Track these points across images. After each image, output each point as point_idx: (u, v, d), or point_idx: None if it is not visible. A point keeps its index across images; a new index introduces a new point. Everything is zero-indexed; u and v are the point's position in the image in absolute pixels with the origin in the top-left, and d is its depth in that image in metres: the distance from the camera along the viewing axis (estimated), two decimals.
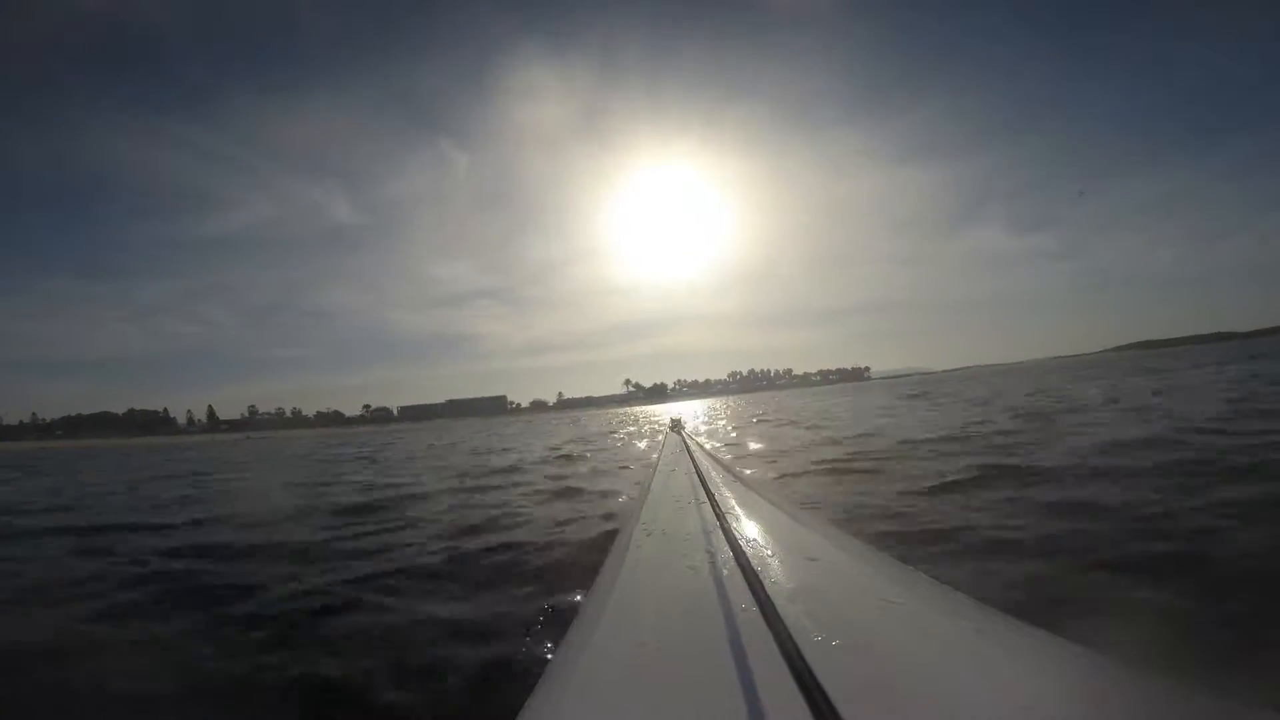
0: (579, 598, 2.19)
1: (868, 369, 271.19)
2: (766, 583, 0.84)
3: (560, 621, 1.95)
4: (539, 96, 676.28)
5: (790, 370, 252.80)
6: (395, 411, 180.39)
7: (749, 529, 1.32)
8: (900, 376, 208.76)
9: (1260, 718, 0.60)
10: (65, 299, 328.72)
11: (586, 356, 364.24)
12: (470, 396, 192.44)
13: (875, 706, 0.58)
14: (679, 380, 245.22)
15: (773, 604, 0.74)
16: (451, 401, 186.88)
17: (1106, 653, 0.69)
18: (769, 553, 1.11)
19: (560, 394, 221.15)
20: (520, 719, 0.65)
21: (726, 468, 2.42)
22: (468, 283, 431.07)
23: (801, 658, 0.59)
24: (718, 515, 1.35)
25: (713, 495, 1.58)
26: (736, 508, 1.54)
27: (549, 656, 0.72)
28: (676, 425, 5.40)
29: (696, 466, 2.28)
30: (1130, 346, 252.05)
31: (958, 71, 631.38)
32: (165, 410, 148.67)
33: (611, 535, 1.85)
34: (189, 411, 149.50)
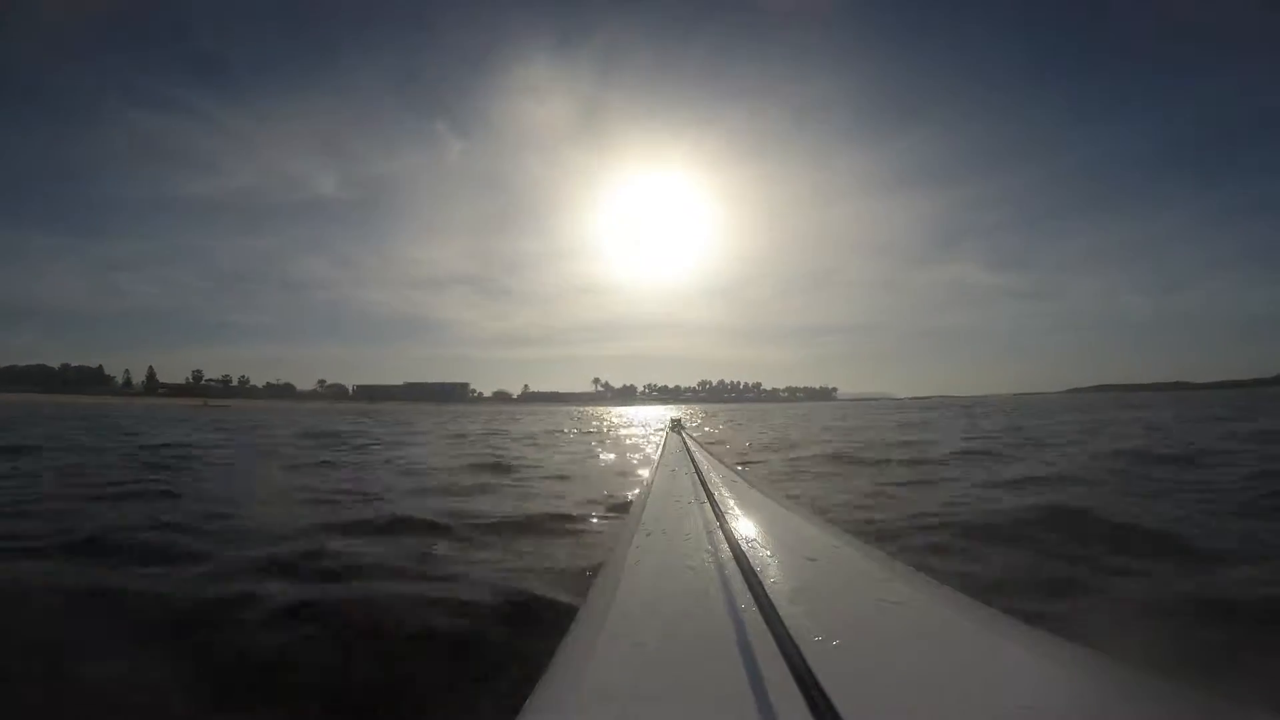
0: (580, 597, 1.92)
1: (835, 389, 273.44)
2: (766, 583, 0.85)
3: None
4: (540, 91, 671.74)
5: (760, 384, 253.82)
6: (350, 390, 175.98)
7: (749, 529, 1.31)
8: (866, 400, 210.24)
9: (1260, 718, 0.60)
10: (24, 247, 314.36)
11: (557, 352, 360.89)
12: (431, 381, 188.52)
13: (875, 706, 0.58)
14: (649, 384, 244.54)
15: (773, 604, 0.74)
16: (410, 384, 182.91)
17: (1106, 653, 0.69)
18: (769, 553, 1.11)
19: (526, 386, 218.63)
20: (520, 719, 0.65)
21: (727, 468, 2.41)
22: (445, 267, 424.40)
23: (801, 658, 0.60)
24: (718, 515, 1.35)
25: (713, 495, 1.58)
26: (736, 508, 1.54)
27: (549, 657, 0.77)
28: (677, 425, 5.07)
29: (696, 466, 2.27)
30: (1090, 389, 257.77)
31: (951, 102, 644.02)
32: (101, 368, 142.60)
33: None
34: (126, 371, 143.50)
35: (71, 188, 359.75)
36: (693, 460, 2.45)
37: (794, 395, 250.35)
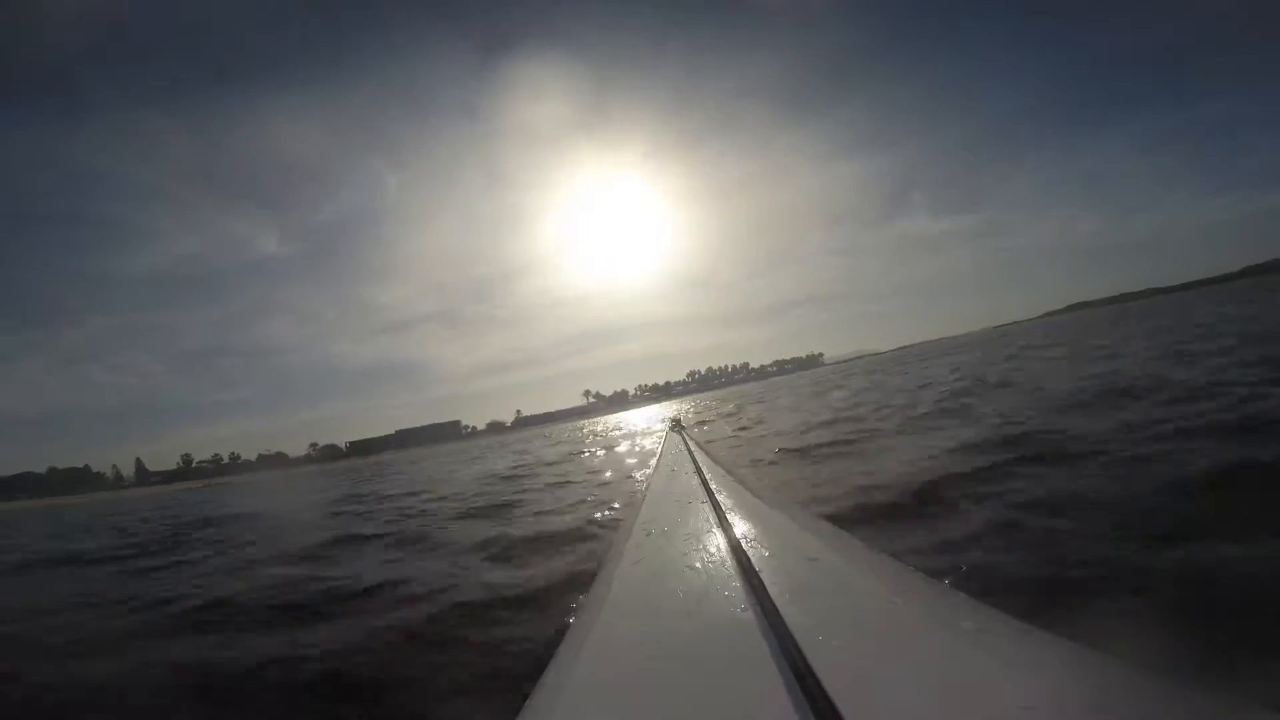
0: (579, 597, 2.15)
1: (821, 355, 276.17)
2: (766, 583, 0.85)
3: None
4: (470, 111, 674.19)
5: (747, 364, 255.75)
6: (344, 447, 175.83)
7: (749, 529, 1.31)
8: (851, 360, 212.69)
9: (1260, 718, 0.60)
10: None
11: (542, 372, 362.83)
12: (421, 425, 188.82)
13: (875, 706, 0.58)
14: (639, 386, 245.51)
15: (773, 604, 0.75)
16: (401, 431, 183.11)
17: (1106, 653, 0.69)
18: (769, 553, 1.11)
19: (519, 412, 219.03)
20: (520, 719, 0.65)
21: (727, 468, 2.38)
22: (409, 307, 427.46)
23: (802, 657, 0.60)
24: (718, 515, 1.35)
25: (713, 495, 1.59)
26: (736, 508, 1.54)
27: (549, 656, 0.78)
28: (677, 425, 5.13)
29: (697, 466, 2.26)
30: (1063, 310, 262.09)
31: (876, 67, 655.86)
32: (88, 466, 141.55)
33: None
34: (114, 466, 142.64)
35: (13, 275, 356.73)
36: (693, 460, 2.49)
37: (782, 368, 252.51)
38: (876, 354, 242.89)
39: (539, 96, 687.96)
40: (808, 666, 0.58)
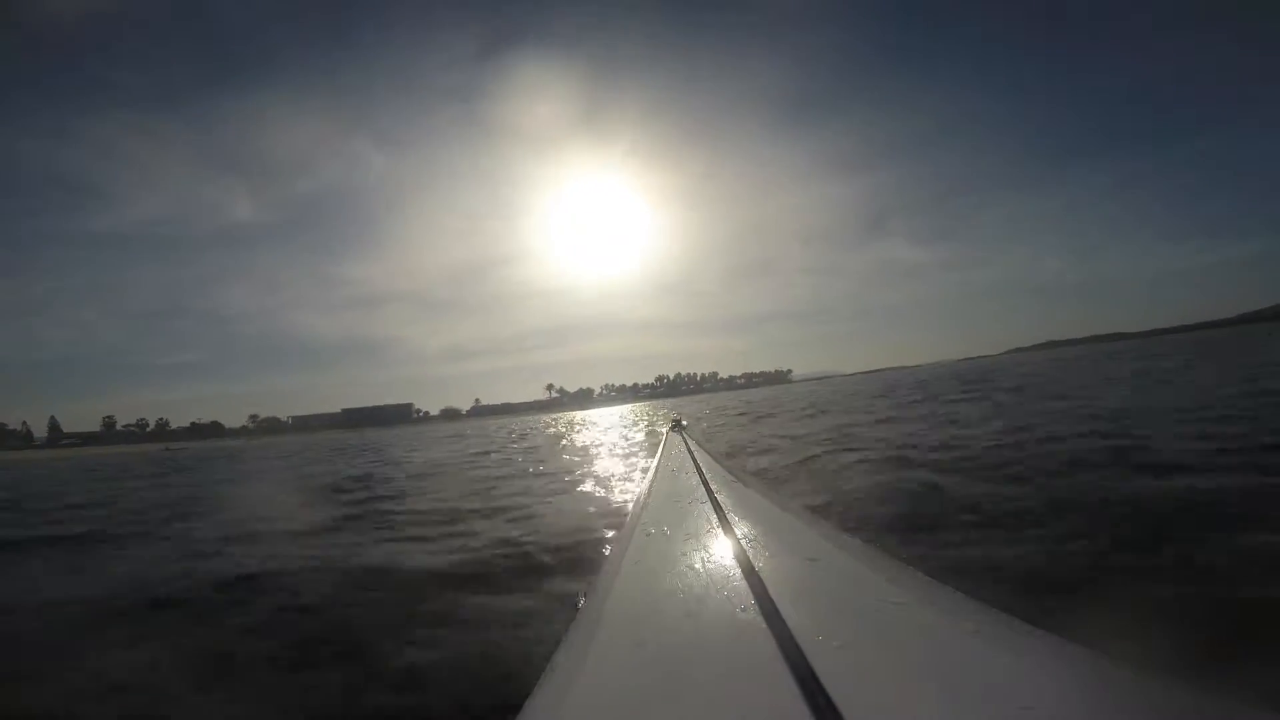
0: (580, 597, 2.42)
1: (790, 371, 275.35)
2: (767, 583, 0.86)
3: None
4: (462, 96, 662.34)
5: (716, 373, 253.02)
6: (288, 421, 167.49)
7: (750, 529, 1.30)
8: (818, 379, 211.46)
9: (1260, 718, 0.60)
10: None
11: (506, 362, 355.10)
12: (374, 405, 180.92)
13: (875, 706, 0.58)
14: (606, 385, 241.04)
15: (773, 604, 0.76)
16: (348, 410, 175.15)
17: (1106, 653, 0.69)
18: (769, 553, 1.11)
19: (477, 400, 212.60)
20: (520, 719, 0.65)
21: (727, 468, 2.38)
22: (380, 284, 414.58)
23: (803, 658, 0.61)
24: (718, 515, 1.35)
25: (713, 495, 1.59)
26: (737, 508, 1.53)
27: (549, 656, 0.78)
28: (677, 425, 4.83)
29: (697, 466, 2.25)
30: (1031, 348, 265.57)
31: (862, 92, 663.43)
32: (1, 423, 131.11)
33: None
34: (24, 423, 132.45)
35: None
36: (694, 460, 2.44)
37: (751, 381, 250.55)
38: (844, 375, 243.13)
39: (533, 90, 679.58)
40: (808, 667, 0.58)
